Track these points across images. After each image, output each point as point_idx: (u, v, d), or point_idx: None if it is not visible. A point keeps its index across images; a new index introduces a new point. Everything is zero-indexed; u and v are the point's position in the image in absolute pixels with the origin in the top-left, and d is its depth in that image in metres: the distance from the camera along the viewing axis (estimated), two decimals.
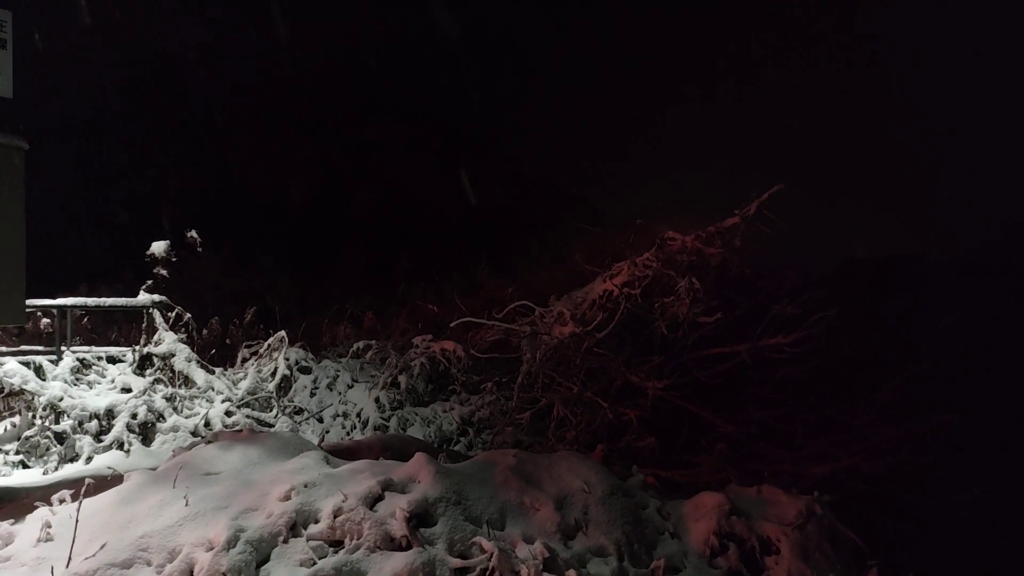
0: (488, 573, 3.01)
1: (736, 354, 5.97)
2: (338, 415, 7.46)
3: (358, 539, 3.18)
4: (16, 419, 5.66)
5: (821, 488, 4.02)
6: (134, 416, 5.77)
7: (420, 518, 3.32)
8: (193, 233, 8.56)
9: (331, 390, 7.90)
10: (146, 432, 5.80)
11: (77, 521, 3.14)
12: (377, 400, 7.59)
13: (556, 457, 4.04)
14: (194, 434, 5.94)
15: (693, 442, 5.70)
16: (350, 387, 8.02)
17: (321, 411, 7.39)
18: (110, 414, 5.77)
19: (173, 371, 6.83)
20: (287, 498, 3.46)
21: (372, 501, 3.42)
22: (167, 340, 6.90)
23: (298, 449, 4.35)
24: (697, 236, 6.91)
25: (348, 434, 7.16)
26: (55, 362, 6.29)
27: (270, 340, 8.09)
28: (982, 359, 6.92)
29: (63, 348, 6.72)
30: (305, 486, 3.55)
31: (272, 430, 5.85)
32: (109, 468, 4.11)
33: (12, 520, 3.57)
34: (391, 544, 3.18)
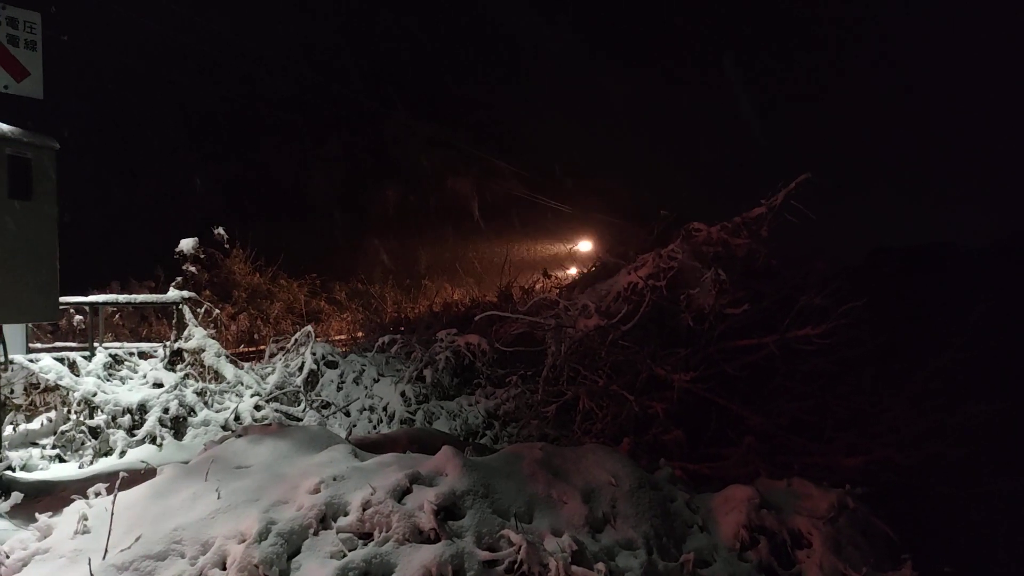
0: (516, 566, 3.02)
1: (764, 346, 5.91)
2: (364, 409, 7.52)
3: (387, 532, 3.20)
4: (52, 414, 5.79)
5: (852, 481, 3.97)
6: (166, 411, 5.87)
7: (448, 511, 3.33)
8: (220, 230, 8.66)
9: (357, 384, 7.96)
10: (178, 426, 5.90)
11: (112, 514, 3.20)
12: (403, 394, 7.64)
13: (583, 450, 4.02)
14: (224, 428, 6.03)
15: (721, 435, 5.65)
16: (376, 381, 8.07)
17: (348, 405, 7.46)
18: (142, 409, 5.88)
19: (203, 366, 6.93)
20: (316, 491, 3.49)
21: (400, 494, 3.44)
22: (197, 335, 7.00)
23: (326, 443, 4.38)
24: (723, 227, 6.84)
25: (375, 428, 7.21)
26: (88, 358, 6.41)
27: (297, 335, 8.17)
28: (1015, 348, 6.77)
29: (96, 344, 6.85)
30: (334, 479, 3.58)
31: (300, 424, 5.92)
32: (143, 462, 4.19)
33: (50, 513, 3.65)
34: (420, 537, 3.20)
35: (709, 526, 3.53)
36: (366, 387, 7.95)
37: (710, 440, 5.68)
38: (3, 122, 4.85)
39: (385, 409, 7.53)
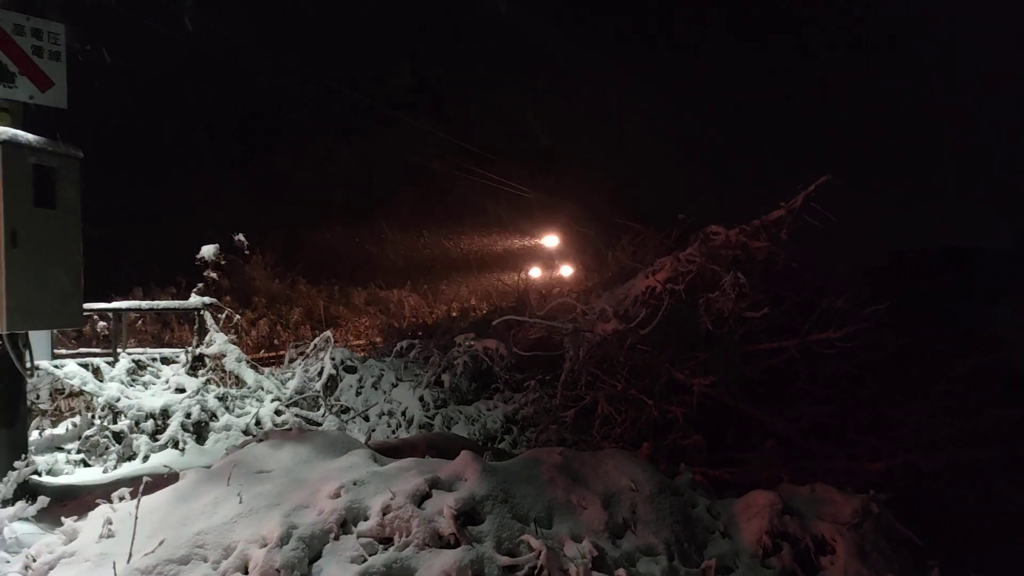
0: (537, 571, 3.01)
1: (784, 349, 5.85)
2: (383, 414, 7.55)
3: (407, 536, 3.21)
4: (76, 419, 5.87)
5: (876, 486, 3.92)
6: (188, 415, 5.94)
7: (467, 516, 3.33)
8: (241, 236, 8.75)
9: (376, 389, 7.99)
10: (200, 431, 5.96)
11: (136, 518, 3.24)
12: (421, 399, 7.66)
13: (602, 455, 4.01)
14: (246, 432, 6.08)
15: (742, 439, 5.61)
16: (395, 386, 8.10)
17: (367, 410, 7.49)
18: (165, 414, 5.94)
19: (224, 371, 7.00)
20: (337, 495, 3.51)
21: (420, 499, 3.45)
22: (218, 341, 7.07)
23: (346, 447, 4.41)
24: (742, 230, 6.79)
25: (394, 432, 7.24)
26: (112, 364, 6.50)
27: (316, 340, 8.22)
28: None
29: (119, 350, 6.94)
30: (354, 484, 3.60)
31: (320, 429, 5.95)
32: (166, 466, 4.23)
33: (76, 517, 3.70)
34: (439, 542, 3.20)
35: (731, 532, 3.50)
36: (385, 392, 7.98)
37: (730, 445, 5.63)
38: (28, 131, 4.92)
39: (404, 414, 7.56)
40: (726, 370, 5.98)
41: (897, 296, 6.05)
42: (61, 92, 5.13)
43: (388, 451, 5.07)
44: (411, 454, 4.89)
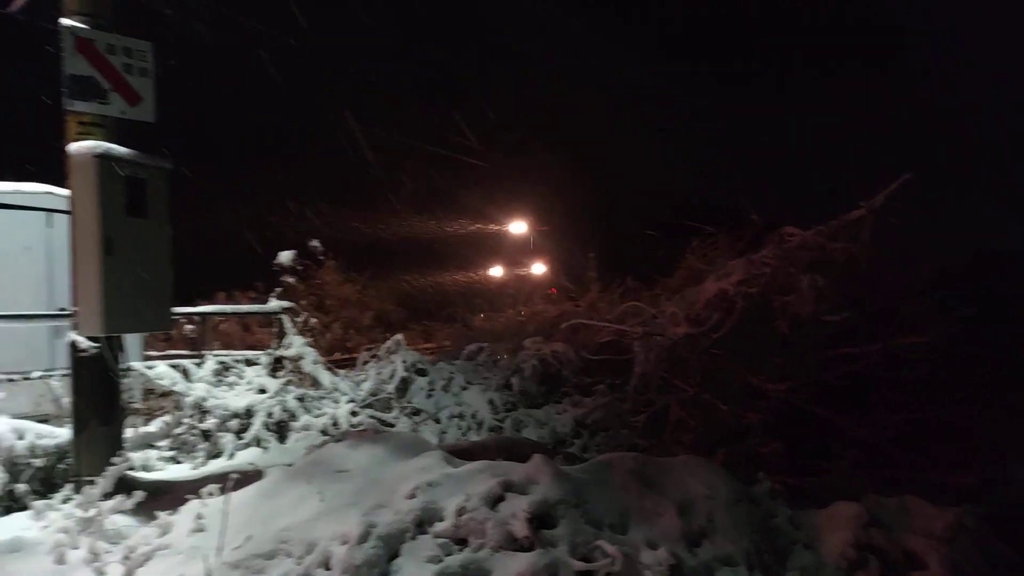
0: None
1: (866, 354, 5.63)
2: (454, 416, 7.65)
3: (482, 538, 3.24)
4: (167, 418, 6.19)
5: (970, 497, 3.72)
6: (270, 415, 6.18)
7: (541, 519, 3.34)
8: (316, 243, 9.03)
9: (446, 392, 8.10)
10: (281, 430, 6.19)
11: (226, 514, 3.39)
12: (491, 402, 7.72)
13: (676, 461, 3.96)
14: (323, 432, 6.28)
15: (822, 448, 5.42)
16: (464, 389, 8.20)
17: (438, 412, 7.60)
18: (249, 413, 6.20)
19: (302, 373, 7.24)
20: (412, 496, 3.58)
21: (493, 501, 3.48)
22: (296, 344, 7.33)
23: (419, 449, 4.49)
24: (819, 231, 6.57)
25: (464, 435, 7.32)
26: (199, 365, 6.82)
27: (388, 343, 8.41)
28: None
29: (205, 352, 7.28)
30: (429, 485, 3.66)
31: (393, 430, 6.09)
32: (251, 464, 4.42)
33: (169, 511, 3.90)
34: (514, 544, 3.22)
35: (814, 544, 3.39)
36: (455, 395, 8.08)
37: (810, 453, 5.45)
38: (122, 145, 5.20)
39: (474, 416, 7.63)
40: (804, 375, 5.80)
41: (984, 299, 5.75)
42: (149, 106, 5.40)
43: (460, 453, 5.14)
44: (482, 457, 4.93)
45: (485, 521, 3.28)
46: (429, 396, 8.08)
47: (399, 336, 8.31)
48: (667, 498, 3.54)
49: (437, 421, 7.50)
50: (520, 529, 3.21)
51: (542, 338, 9.17)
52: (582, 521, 3.31)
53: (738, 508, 3.46)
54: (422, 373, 8.46)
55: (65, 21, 4.99)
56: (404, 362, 8.06)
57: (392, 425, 6.95)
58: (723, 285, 6.42)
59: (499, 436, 6.83)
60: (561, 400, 8.06)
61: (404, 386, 7.91)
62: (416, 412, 7.64)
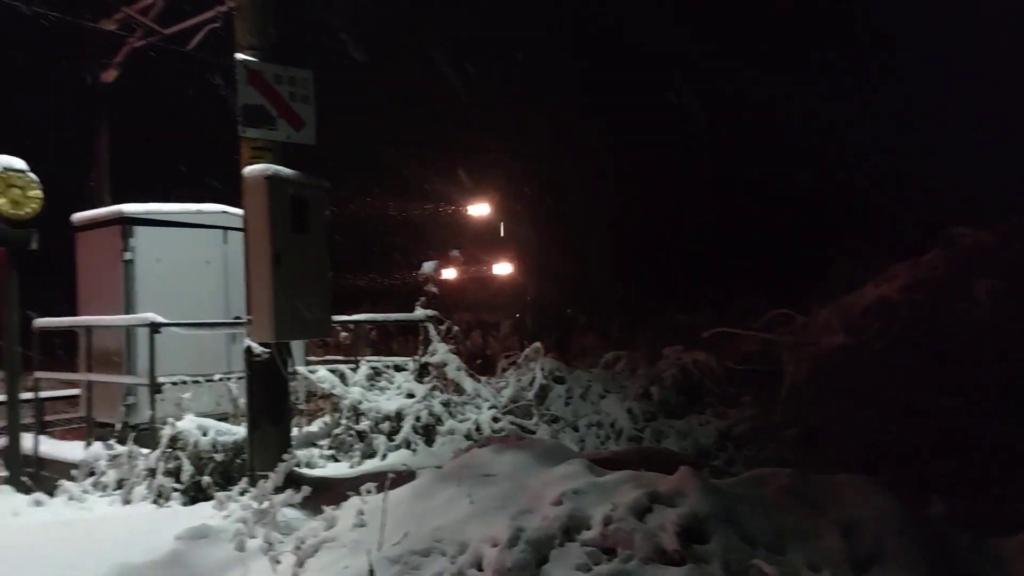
0: None
1: None
2: (592, 424, 7.64)
3: (630, 549, 3.21)
4: (326, 418, 6.65)
5: None
6: (418, 419, 6.49)
7: (690, 533, 3.26)
8: (456, 252, 9.39)
9: (584, 400, 8.11)
10: (428, 433, 6.48)
11: (384, 511, 3.59)
12: (630, 411, 7.64)
13: (836, 480, 3.72)
14: (467, 437, 6.50)
15: (1007, 469, 4.90)
16: (602, 397, 8.17)
17: (576, 420, 7.63)
18: (399, 416, 6.55)
19: (445, 379, 7.53)
20: (559, 503, 3.61)
21: (640, 512, 3.44)
22: (440, 351, 7.64)
23: (561, 456, 4.52)
24: (995, 230, 5.99)
25: (603, 443, 7.29)
26: (353, 370, 7.27)
27: (526, 351, 8.55)
28: None
29: (359, 358, 7.76)
30: (575, 492, 3.68)
31: (535, 437, 6.18)
32: (404, 465, 4.65)
33: (333, 506, 4.19)
34: (663, 557, 3.16)
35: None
36: (593, 403, 8.07)
37: (990, 476, 4.94)
38: (287, 167, 5.64)
39: (612, 425, 7.59)
40: (979, 390, 5.27)
41: None
42: (311, 131, 5.85)
43: (601, 462, 5.11)
44: (624, 466, 4.88)
45: (633, 532, 3.25)
46: (567, 404, 8.12)
47: (538, 344, 8.44)
48: (828, 519, 3.33)
49: (575, 429, 7.53)
50: (669, 542, 3.15)
51: (682, 347, 8.96)
52: (735, 538, 3.19)
53: (911, 533, 3.19)
54: (560, 381, 8.52)
55: (238, 56, 5.52)
56: (543, 369, 8.16)
57: (533, 432, 7.05)
58: (884, 291, 5.99)
59: (640, 446, 6.74)
60: (703, 411, 7.82)
61: (543, 393, 8.01)
62: (555, 419, 7.70)
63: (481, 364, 8.77)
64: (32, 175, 6.47)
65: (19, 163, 6.45)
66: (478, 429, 6.72)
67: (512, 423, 7.05)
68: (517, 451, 4.51)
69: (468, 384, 7.48)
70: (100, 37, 11.25)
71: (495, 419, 6.99)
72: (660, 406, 7.93)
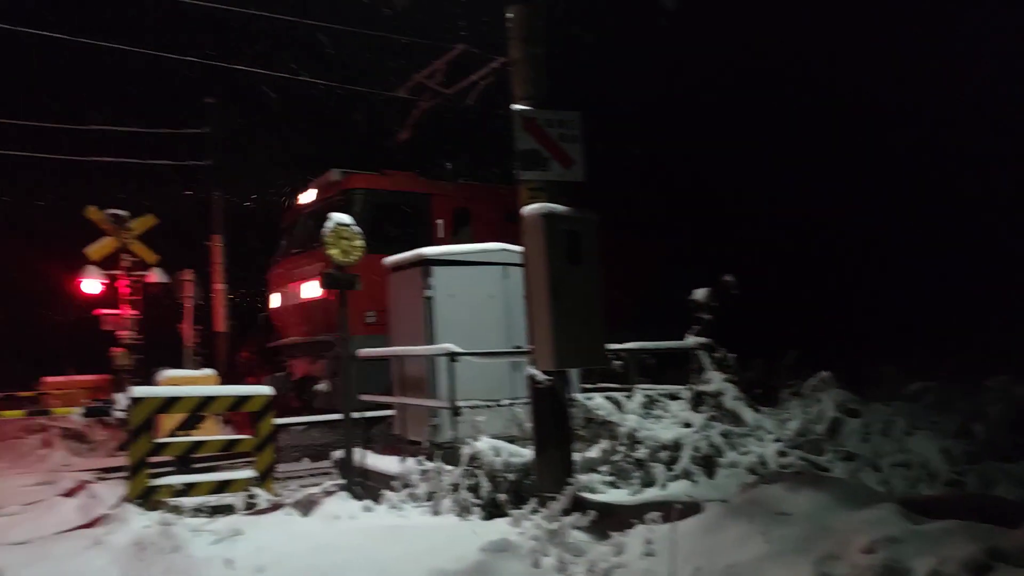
0: None
1: None
2: (897, 464, 6.76)
3: None
4: (604, 445, 6.77)
5: None
6: (696, 449, 6.31)
7: None
8: (728, 277, 9.01)
9: (886, 436, 7.22)
10: (708, 465, 6.26)
11: (675, 542, 3.54)
12: (946, 451, 6.63)
13: None
14: (751, 471, 6.15)
15: None
16: (908, 434, 7.20)
17: (877, 459, 6.81)
18: (676, 446, 6.43)
19: (722, 409, 7.22)
20: (870, 551, 3.26)
21: (976, 570, 2.98)
22: (715, 380, 7.37)
23: (867, 499, 4.10)
24: None
25: (912, 487, 6.41)
26: (628, 398, 7.32)
27: (812, 380, 7.88)
28: None
29: (633, 386, 7.80)
30: (889, 540, 3.31)
31: (832, 475, 5.65)
32: (688, 496, 4.55)
33: (619, 532, 4.24)
34: None
35: None
36: (897, 440, 7.15)
37: None
38: (560, 204, 5.93)
39: (923, 466, 6.64)
40: None
41: None
42: (580, 167, 6.12)
43: (915, 508, 4.52)
44: (946, 515, 4.25)
45: None
46: (865, 440, 7.29)
47: (826, 372, 7.73)
48: None
49: (877, 469, 6.72)
50: None
51: (1009, 377, 7.56)
52: None
53: None
54: (854, 414, 7.69)
55: (514, 107, 5.98)
56: (833, 401, 7.45)
57: (826, 470, 6.45)
58: None
59: (962, 492, 5.81)
60: None
61: (835, 427, 7.29)
62: (850, 456, 6.96)
63: (762, 394, 8.24)
64: (356, 227, 7.65)
65: (346, 218, 7.67)
66: (763, 463, 6.32)
67: (801, 459, 6.52)
68: (814, 489, 4.17)
69: (748, 415, 7.09)
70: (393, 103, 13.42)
71: (781, 453, 6.52)
72: (985, 446, 6.77)
